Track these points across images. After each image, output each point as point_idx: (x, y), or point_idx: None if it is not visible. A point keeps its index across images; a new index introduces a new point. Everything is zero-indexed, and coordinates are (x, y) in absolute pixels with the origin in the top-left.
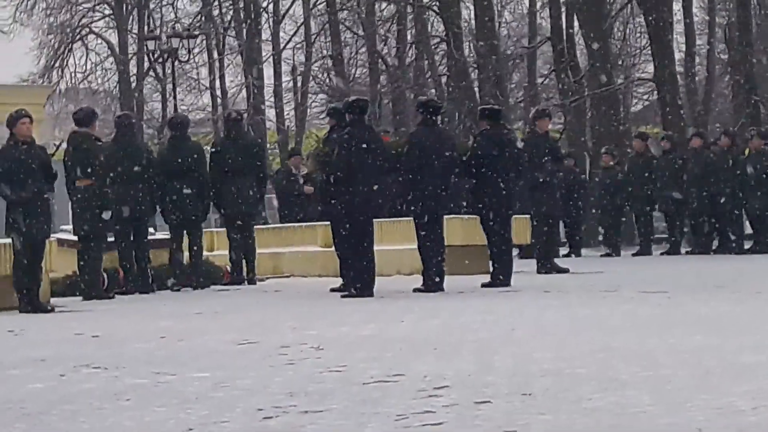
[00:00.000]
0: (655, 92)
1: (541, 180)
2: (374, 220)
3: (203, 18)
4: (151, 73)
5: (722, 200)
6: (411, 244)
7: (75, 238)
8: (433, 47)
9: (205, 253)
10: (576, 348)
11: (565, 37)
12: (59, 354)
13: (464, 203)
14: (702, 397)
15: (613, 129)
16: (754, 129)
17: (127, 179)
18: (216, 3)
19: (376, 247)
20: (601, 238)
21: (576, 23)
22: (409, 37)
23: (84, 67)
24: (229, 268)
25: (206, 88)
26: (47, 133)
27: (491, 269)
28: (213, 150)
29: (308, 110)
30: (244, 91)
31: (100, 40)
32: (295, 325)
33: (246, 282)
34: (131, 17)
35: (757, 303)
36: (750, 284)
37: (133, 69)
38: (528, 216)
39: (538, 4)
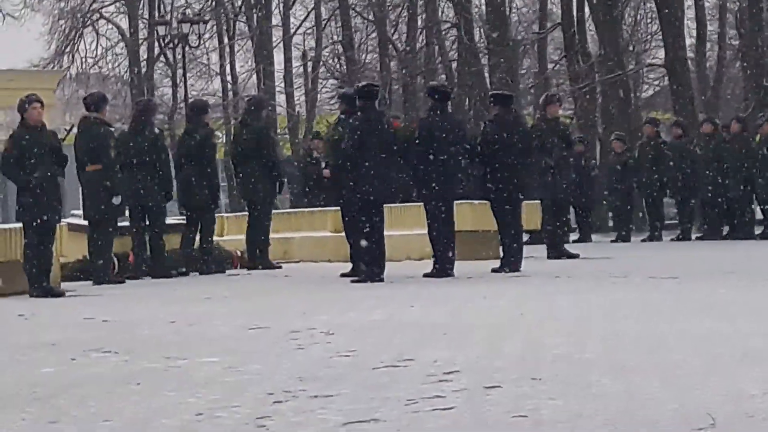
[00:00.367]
0: (666, 78)
1: (551, 165)
2: (384, 205)
3: (213, 3)
4: (162, 58)
5: (732, 186)
6: (421, 230)
7: (85, 222)
8: (443, 33)
9: (215, 238)
10: (585, 333)
11: (575, 23)
12: (70, 338)
13: (471, 188)
14: (711, 383)
15: (624, 115)
16: (765, 115)
17: (140, 165)
18: None
19: (386, 233)
20: (611, 223)
21: (587, 9)
22: (419, 22)
23: (94, 52)
24: (239, 254)
25: (216, 73)
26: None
27: (501, 255)
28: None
29: (318, 96)
30: (254, 77)
31: (110, 26)
32: (305, 310)
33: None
34: (142, 2)
35: (767, 289)
36: (760, 270)
37: (143, 54)
38: (538, 201)
39: None
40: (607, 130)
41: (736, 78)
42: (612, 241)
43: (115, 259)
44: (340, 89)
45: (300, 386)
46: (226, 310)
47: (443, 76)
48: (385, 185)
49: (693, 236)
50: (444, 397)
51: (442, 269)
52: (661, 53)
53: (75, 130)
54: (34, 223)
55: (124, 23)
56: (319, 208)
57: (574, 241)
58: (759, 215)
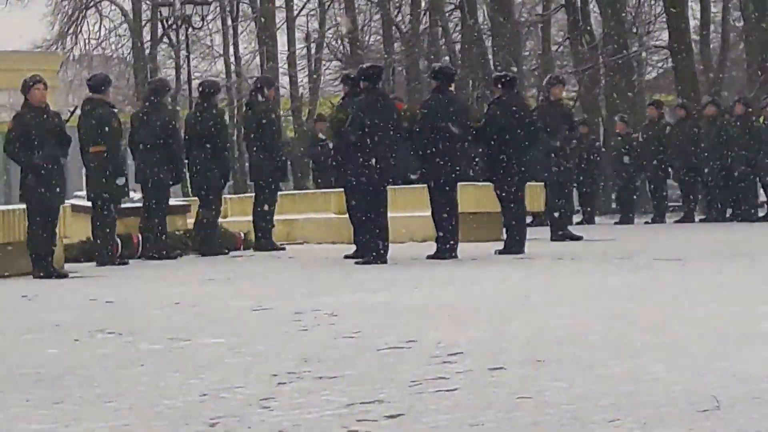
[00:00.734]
0: (670, 60)
1: (555, 147)
2: (388, 186)
3: None
4: (165, 39)
5: (736, 167)
6: (424, 211)
7: (89, 204)
8: (447, 14)
9: (219, 219)
10: (590, 315)
11: (579, 5)
12: (74, 319)
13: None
14: (717, 365)
15: (628, 97)
16: None
17: (152, 146)
18: None
19: (389, 214)
20: (614, 205)
21: None
22: (423, 4)
23: (98, 33)
24: (243, 235)
25: (220, 54)
26: (61, 99)
27: (505, 236)
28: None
29: (322, 77)
30: (257, 58)
31: (113, 7)
32: (309, 291)
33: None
34: None
35: None
36: (764, 252)
37: (146, 36)
38: (542, 183)
39: None
40: (610, 111)
41: (740, 60)
42: (615, 223)
43: (119, 241)
44: (343, 71)
45: (304, 367)
46: (229, 292)
47: (447, 58)
48: (388, 167)
49: (697, 218)
50: (448, 379)
51: (446, 251)
52: (665, 35)
53: (78, 111)
54: (38, 204)
55: (127, 4)
56: (322, 190)
57: (577, 223)
58: (763, 197)
